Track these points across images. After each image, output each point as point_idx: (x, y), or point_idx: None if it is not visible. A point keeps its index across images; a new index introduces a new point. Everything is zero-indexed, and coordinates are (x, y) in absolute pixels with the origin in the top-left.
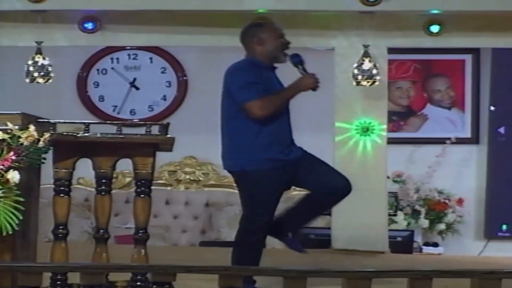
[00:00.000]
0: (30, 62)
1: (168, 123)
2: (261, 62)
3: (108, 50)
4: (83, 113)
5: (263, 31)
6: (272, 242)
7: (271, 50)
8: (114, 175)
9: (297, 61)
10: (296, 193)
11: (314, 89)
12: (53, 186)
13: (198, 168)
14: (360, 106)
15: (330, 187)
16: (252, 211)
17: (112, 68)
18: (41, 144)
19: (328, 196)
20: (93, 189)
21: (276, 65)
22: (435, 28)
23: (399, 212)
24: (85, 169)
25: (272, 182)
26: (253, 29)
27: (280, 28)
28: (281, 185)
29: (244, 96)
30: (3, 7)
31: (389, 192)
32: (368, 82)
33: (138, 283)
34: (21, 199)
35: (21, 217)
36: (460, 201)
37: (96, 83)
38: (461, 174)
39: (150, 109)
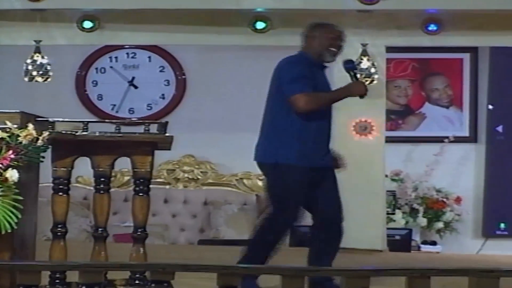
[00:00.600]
0: (29, 61)
1: (167, 122)
2: (311, 58)
3: (107, 49)
4: (81, 112)
5: (318, 29)
6: None
7: (319, 48)
8: (113, 174)
9: (350, 67)
10: None
11: (362, 96)
12: (51, 184)
13: (197, 166)
14: (358, 105)
15: (329, 216)
16: (280, 206)
17: (111, 67)
18: (40, 142)
19: (322, 228)
20: (92, 188)
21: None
22: (432, 27)
23: (397, 211)
24: (83, 167)
25: (303, 180)
26: (312, 26)
27: (337, 31)
28: (306, 186)
29: (293, 88)
30: (2, 6)
31: (387, 191)
32: (366, 80)
33: (137, 282)
34: (20, 198)
35: (19, 216)
36: (458, 200)
37: (94, 82)
38: (459, 172)
39: (148, 107)
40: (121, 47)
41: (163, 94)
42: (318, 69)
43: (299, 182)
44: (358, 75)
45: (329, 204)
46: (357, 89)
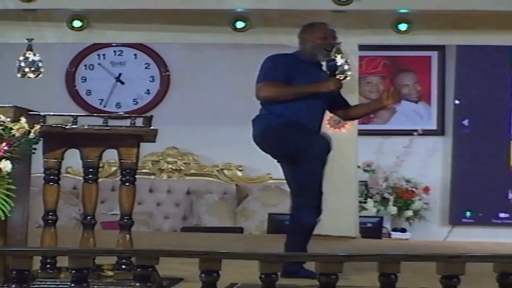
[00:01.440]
0: (21, 58)
1: (152, 116)
2: (303, 56)
3: (95, 47)
4: (71, 106)
5: (309, 30)
6: (249, 228)
7: (311, 48)
8: (101, 165)
9: (331, 65)
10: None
11: (334, 92)
12: (43, 175)
13: (180, 158)
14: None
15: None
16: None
17: (99, 63)
18: (31, 135)
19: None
20: (81, 178)
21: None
22: (403, 27)
23: (369, 200)
24: (73, 159)
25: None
26: (305, 27)
27: (328, 30)
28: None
29: (259, 77)
30: None
31: (360, 181)
32: (340, 77)
33: (123, 266)
34: (13, 187)
35: (12, 204)
36: (426, 189)
37: (83, 78)
38: (427, 164)
39: (134, 102)
40: (109, 45)
41: (148, 90)
42: (312, 68)
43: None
44: (337, 73)
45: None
46: (329, 85)
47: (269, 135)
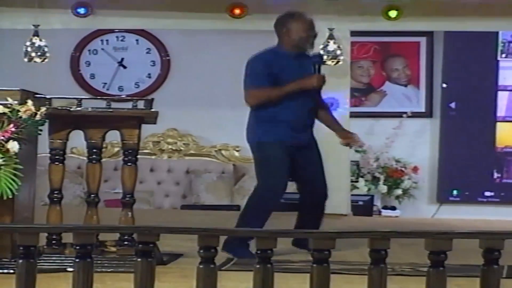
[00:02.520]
0: (28, 43)
1: (153, 99)
2: (285, 51)
3: (99, 33)
4: (76, 90)
5: (292, 21)
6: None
7: (297, 40)
8: (104, 145)
9: (316, 61)
10: None
11: (317, 88)
12: (49, 155)
13: (179, 139)
14: (325, 84)
15: (311, 188)
16: (262, 182)
17: (102, 49)
18: (38, 117)
19: (307, 197)
20: (85, 158)
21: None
22: (393, 13)
23: (360, 179)
24: (77, 139)
25: (280, 155)
26: (284, 19)
27: (309, 20)
28: (287, 161)
29: (246, 83)
30: None
31: (352, 161)
32: (333, 61)
33: (126, 243)
34: (20, 167)
35: (20, 183)
36: (415, 169)
37: (87, 63)
38: (416, 144)
39: (136, 86)
40: (112, 31)
41: (149, 74)
42: (295, 60)
43: (277, 157)
44: (320, 70)
45: (312, 178)
46: (312, 82)
47: (255, 154)
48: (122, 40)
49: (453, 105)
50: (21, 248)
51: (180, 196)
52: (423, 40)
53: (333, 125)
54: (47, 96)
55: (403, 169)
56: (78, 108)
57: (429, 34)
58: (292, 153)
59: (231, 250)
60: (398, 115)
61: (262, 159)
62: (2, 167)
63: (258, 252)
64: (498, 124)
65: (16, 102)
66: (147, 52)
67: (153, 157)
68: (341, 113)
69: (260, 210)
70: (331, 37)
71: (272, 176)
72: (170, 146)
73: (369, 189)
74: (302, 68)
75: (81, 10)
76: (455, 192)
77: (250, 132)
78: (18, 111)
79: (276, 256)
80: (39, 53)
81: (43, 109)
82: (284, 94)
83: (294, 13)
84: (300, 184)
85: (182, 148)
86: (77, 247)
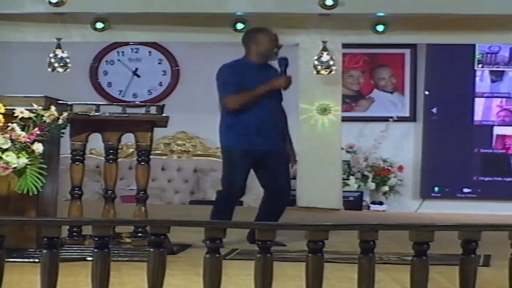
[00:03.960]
0: (51, 55)
1: (164, 105)
2: (252, 60)
3: (115, 45)
4: (94, 96)
5: (259, 35)
6: (248, 201)
7: (263, 50)
8: (120, 147)
9: (282, 63)
10: None
11: (285, 88)
12: (70, 155)
13: (188, 141)
14: (319, 91)
15: (272, 188)
16: (224, 183)
17: (118, 60)
18: (60, 121)
19: (270, 197)
20: (103, 158)
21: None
22: (380, 28)
23: (351, 177)
24: (96, 141)
25: (243, 159)
26: (252, 32)
27: (273, 34)
28: (248, 164)
29: (222, 92)
30: (29, 10)
31: (343, 161)
32: (326, 71)
33: (139, 234)
34: (44, 166)
35: (44, 181)
36: (400, 168)
37: (105, 72)
38: (401, 146)
39: (149, 93)
40: (127, 43)
41: (160, 82)
42: (261, 69)
43: (239, 161)
44: (287, 71)
45: (276, 182)
46: (280, 83)
47: (222, 155)
48: (136, 52)
49: (434, 110)
50: (45, 239)
51: (188, 193)
52: (407, 52)
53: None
54: (69, 102)
55: (389, 168)
56: (97, 113)
57: (413, 46)
58: (256, 157)
59: None
60: (385, 119)
61: (224, 161)
62: (28, 166)
63: (259, 242)
64: (475, 127)
65: (40, 107)
66: (159, 63)
67: (164, 157)
68: (334, 117)
69: (220, 205)
70: (324, 49)
71: (230, 179)
72: (179, 147)
73: (359, 186)
74: (267, 77)
75: (99, 25)
76: (436, 188)
77: (220, 135)
78: (43, 116)
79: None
80: (61, 64)
81: (65, 114)
82: (258, 95)
83: (262, 28)
84: (263, 183)
85: (190, 149)
86: (96, 239)
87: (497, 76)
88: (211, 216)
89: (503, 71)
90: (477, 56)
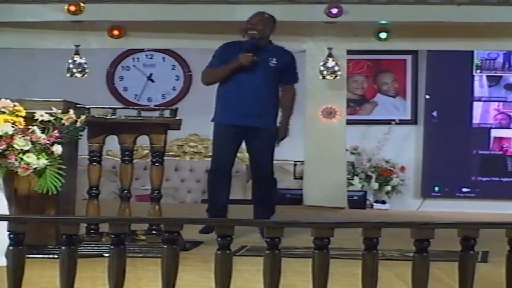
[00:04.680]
0: (70, 61)
1: (177, 108)
2: (244, 42)
3: (130, 52)
4: (111, 100)
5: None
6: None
7: (244, 26)
8: (135, 148)
9: (247, 42)
10: None
11: (243, 64)
12: (87, 156)
13: (200, 143)
14: (325, 95)
15: (254, 174)
16: (213, 153)
17: (134, 65)
18: (78, 124)
19: (253, 181)
20: (119, 159)
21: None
22: (383, 35)
23: (355, 177)
24: (112, 143)
25: (225, 134)
26: None
27: (252, 16)
28: (229, 140)
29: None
30: (49, 18)
31: (348, 161)
32: (331, 76)
33: (154, 232)
34: (63, 167)
35: (63, 181)
36: (402, 169)
37: (121, 77)
38: (403, 147)
39: (163, 97)
40: (142, 50)
41: (174, 87)
42: (255, 51)
43: (219, 137)
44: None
45: (255, 168)
46: (240, 60)
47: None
48: (150, 58)
49: (435, 113)
50: (64, 236)
51: (200, 192)
52: (409, 58)
53: (281, 113)
54: (86, 106)
55: (392, 168)
56: (113, 116)
57: (414, 53)
58: (236, 133)
59: None
60: (388, 122)
61: (213, 137)
62: (47, 167)
63: (268, 240)
64: (473, 130)
65: (59, 111)
66: (172, 68)
67: (177, 158)
68: (339, 120)
69: (210, 182)
70: (330, 55)
71: (215, 154)
72: (192, 149)
73: (362, 186)
74: (258, 58)
75: (116, 32)
76: (436, 188)
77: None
78: (61, 119)
79: (283, 243)
80: (79, 69)
81: (82, 117)
82: (225, 72)
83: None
84: (249, 160)
85: (202, 151)
86: (112, 236)
87: (494, 81)
88: (208, 197)
89: (500, 76)
90: (475, 62)
